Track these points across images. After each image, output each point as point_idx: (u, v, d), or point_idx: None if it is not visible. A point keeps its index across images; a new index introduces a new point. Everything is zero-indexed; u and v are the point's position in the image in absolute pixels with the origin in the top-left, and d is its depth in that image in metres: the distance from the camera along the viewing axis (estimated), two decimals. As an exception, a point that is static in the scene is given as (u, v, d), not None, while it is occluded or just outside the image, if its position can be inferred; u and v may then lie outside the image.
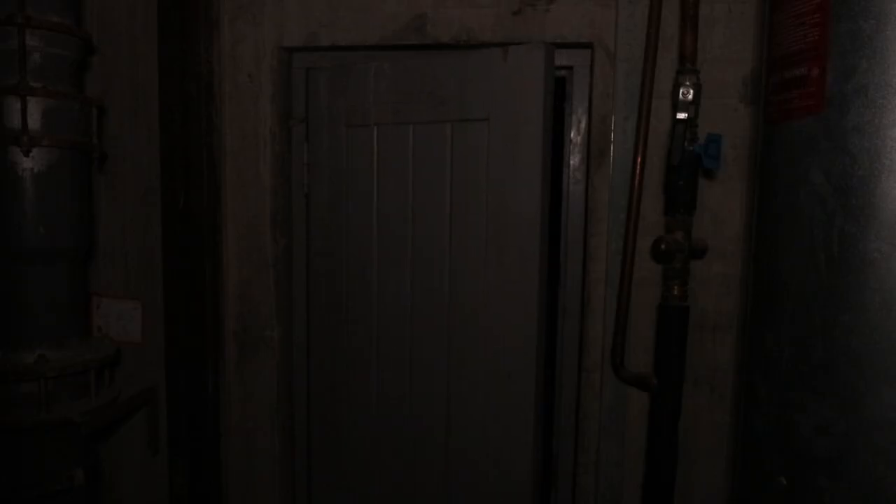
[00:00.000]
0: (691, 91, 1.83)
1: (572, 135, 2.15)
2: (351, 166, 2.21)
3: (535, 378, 1.94)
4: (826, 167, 1.14)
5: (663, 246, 1.86)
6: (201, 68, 2.09)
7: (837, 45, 1.12)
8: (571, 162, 2.16)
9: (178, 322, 2.15)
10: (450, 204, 2.04)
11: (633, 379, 2.02)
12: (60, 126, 1.77)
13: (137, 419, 2.26)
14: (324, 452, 2.38)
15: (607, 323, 2.05)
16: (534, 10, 2.03)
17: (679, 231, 1.90)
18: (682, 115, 1.83)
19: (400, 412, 2.18)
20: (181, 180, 2.10)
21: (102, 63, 2.20)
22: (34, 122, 1.72)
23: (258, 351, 2.26)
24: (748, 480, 1.37)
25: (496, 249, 1.95)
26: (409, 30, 2.09)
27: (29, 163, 1.72)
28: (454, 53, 2.03)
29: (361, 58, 2.17)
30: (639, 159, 1.95)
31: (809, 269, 1.17)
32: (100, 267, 2.25)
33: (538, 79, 1.85)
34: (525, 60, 1.88)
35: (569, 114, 2.15)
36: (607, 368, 2.06)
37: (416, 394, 2.15)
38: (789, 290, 1.22)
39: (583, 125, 2.14)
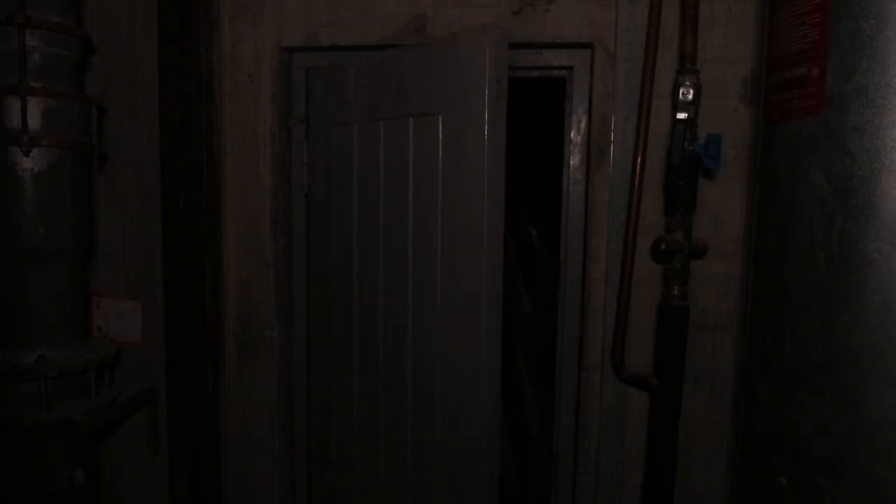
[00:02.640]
0: (691, 91, 1.83)
1: (572, 135, 2.15)
2: (338, 165, 2.20)
3: (486, 394, 1.78)
4: (826, 167, 1.14)
5: (663, 246, 1.86)
6: (201, 68, 2.09)
7: (837, 45, 1.12)
8: (571, 162, 2.16)
9: (178, 322, 2.15)
10: (412, 204, 1.95)
11: (633, 379, 2.02)
12: (60, 126, 1.77)
13: (137, 419, 2.26)
14: (322, 452, 2.38)
15: (607, 323, 2.05)
16: (534, 10, 2.04)
17: (679, 231, 1.90)
18: (682, 115, 1.83)
19: (375, 413, 2.14)
20: (181, 180, 2.11)
21: (102, 63, 2.20)
22: (34, 122, 1.72)
23: (258, 351, 2.26)
24: (748, 480, 1.37)
25: (448, 252, 1.85)
26: (409, 30, 2.09)
27: (29, 163, 1.72)
28: (417, 46, 1.95)
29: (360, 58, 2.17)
30: (639, 159, 1.96)
31: (809, 269, 1.17)
32: (100, 267, 2.25)
33: (482, 70, 1.70)
34: (472, 50, 1.71)
35: (569, 114, 2.16)
36: (607, 368, 2.06)
37: (386, 397, 2.12)
38: (789, 290, 1.22)
39: (583, 125, 2.14)
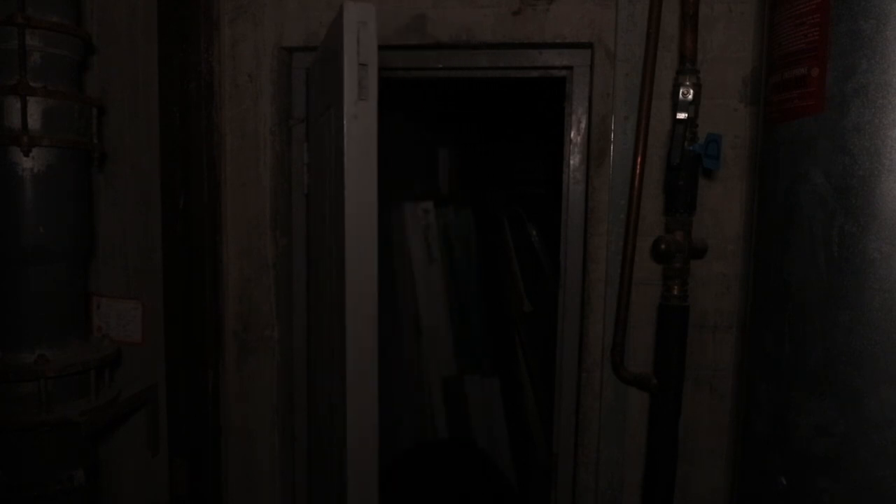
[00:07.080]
0: (691, 91, 1.83)
1: (572, 135, 2.15)
2: (318, 164, 2.18)
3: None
4: (826, 167, 1.15)
5: (663, 246, 1.86)
6: (201, 68, 2.09)
7: (837, 45, 1.12)
8: (571, 162, 2.16)
9: (178, 322, 2.15)
10: (329, 202, 1.89)
11: (633, 379, 2.02)
12: (60, 126, 1.77)
13: (137, 419, 2.26)
14: (319, 451, 2.38)
15: (607, 323, 2.05)
16: (534, 10, 2.04)
17: (679, 231, 1.90)
18: (682, 115, 1.83)
19: (329, 406, 2.11)
20: (181, 180, 2.11)
21: (102, 63, 2.20)
22: (34, 122, 1.72)
23: (258, 351, 2.26)
24: (748, 480, 1.37)
25: (338, 255, 1.77)
26: (408, 30, 2.09)
27: (29, 163, 1.72)
28: (328, 37, 1.85)
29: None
30: (639, 159, 1.96)
31: (809, 269, 1.18)
32: (100, 267, 2.25)
33: (341, 54, 1.61)
34: (342, 32, 1.64)
35: (569, 114, 2.16)
36: (607, 368, 2.06)
37: (333, 392, 2.08)
38: (789, 290, 1.22)
39: (583, 125, 2.14)
